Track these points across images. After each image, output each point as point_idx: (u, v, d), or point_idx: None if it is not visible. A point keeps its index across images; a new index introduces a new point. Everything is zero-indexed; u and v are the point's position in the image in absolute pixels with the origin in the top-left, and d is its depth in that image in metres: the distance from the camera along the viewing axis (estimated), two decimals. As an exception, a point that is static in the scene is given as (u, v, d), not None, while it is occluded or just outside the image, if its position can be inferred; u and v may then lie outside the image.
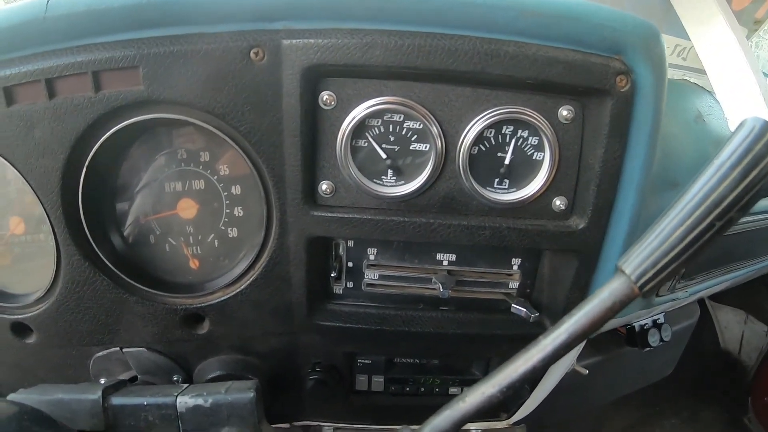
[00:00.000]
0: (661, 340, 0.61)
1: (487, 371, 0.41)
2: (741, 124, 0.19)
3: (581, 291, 0.35)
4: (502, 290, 0.37)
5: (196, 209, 0.36)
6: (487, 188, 0.32)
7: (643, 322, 0.61)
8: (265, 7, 0.28)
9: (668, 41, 0.61)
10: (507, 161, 0.31)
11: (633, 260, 0.17)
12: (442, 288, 0.34)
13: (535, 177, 0.32)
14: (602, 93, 0.29)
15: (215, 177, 0.36)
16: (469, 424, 0.48)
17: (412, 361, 0.41)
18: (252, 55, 0.28)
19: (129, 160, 0.34)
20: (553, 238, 0.33)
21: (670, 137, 0.46)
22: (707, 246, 0.18)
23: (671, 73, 0.62)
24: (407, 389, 0.41)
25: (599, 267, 0.35)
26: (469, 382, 0.42)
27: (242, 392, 0.28)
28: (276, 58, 0.28)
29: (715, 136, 0.50)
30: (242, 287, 0.35)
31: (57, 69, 0.29)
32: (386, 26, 0.28)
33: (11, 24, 0.30)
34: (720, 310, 0.96)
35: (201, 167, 0.35)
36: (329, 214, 0.32)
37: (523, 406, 0.46)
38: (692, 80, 0.59)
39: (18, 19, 0.30)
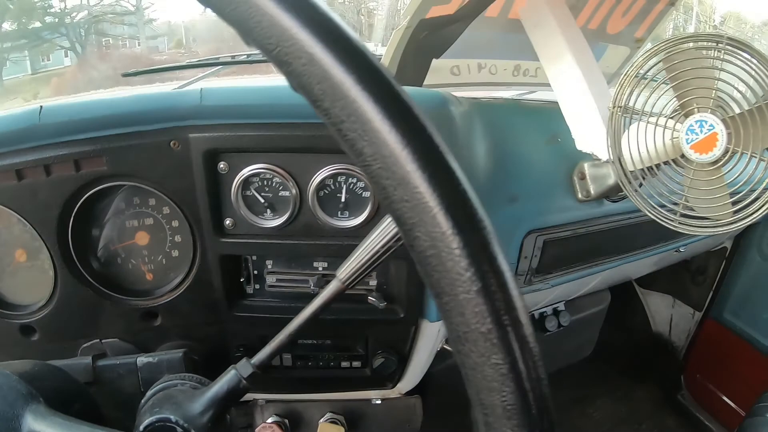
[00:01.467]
0: (560, 325, 0.83)
1: (367, 348, 0.66)
2: None
3: (416, 286, 0.59)
4: (365, 287, 0.61)
5: (148, 238, 0.62)
6: (333, 218, 0.56)
7: (542, 310, 0.83)
8: (177, 112, 0.53)
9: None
10: (343, 199, 0.55)
11: (342, 269, 0.41)
12: (313, 286, 0.58)
13: (365, 208, 0.56)
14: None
15: (160, 215, 0.61)
16: (368, 393, 0.72)
17: (310, 342, 0.66)
18: (171, 144, 0.53)
19: (102, 208, 0.60)
20: (385, 249, 0.57)
21: (516, 157, 0.69)
22: (381, 260, 0.41)
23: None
24: (309, 364, 0.66)
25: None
26: (355, 357, 0.66)
27: (176, 353, 0.53)
28: (186, 145, 0.53)
29: (567, 154, 0.72)
30: (181, 291, 0.60)
31: (50, 159, 0.55)
32: (252, 121, 0.53)
33: (15, 128, 0.56)
34: (649, 296, 1.19)
35: (150, 209, 0.61)
36: (233, 240, 0.57)
37: (408, 379, 0.70)
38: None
39: (20, 124, 0.55)
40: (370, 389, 0.71)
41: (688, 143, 0.63)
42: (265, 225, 0.56)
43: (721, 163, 0.64)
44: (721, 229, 0.65)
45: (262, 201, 0.56)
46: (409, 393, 0.73)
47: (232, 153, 0.54)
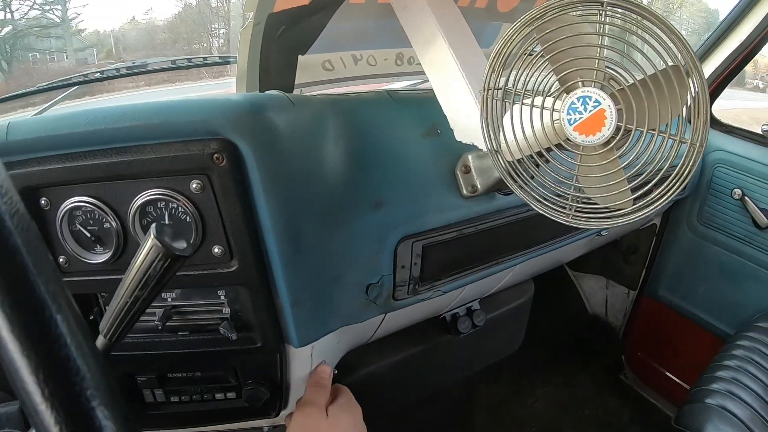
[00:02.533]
0: (474, 326, 0.81)
1: (237, 378, 0.67)
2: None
3: (267, 312, 0.59)
4: (218, 316, 0.62)
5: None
6: (162, 247, 0.57)
7: (454, 311, 0.81)
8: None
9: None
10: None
11: (104, 321, 0.42)
12: (158, 320, 0.60)
13: (191, 234, 0.56)
14: (208, 169, 0.53)
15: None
16: (257, 422, 0.73)
17: (180, 375, 0.67)
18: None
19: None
20: (221, 277, 0.57)
21: (382, 156, 0.67)
22: (137, 307, 0.42)
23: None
24: (183, 398, 0.68)
25: (279, 291, 0.59)
26: (227, 388, 0.68)
27: (13, 405, 0.56)
28: (1, 184, 0.56)
29: (449, 147, 0.69)
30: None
31: None
32: (63, 151, 0.54)
33: None
34: (582, 279, 1.18)
35: None
36: (69, 279, 0.59)
37: (293, 406, 0.70)
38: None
39: None
40: (254, 419, 0.72)
41: (570, 124, 0.60)
42: (97, 261, 0.58)
43: (613, 144, 0.60)
44: (621, 220, 0.62)
45: (89, 235, 0.58)
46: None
47: (50, 187, 0.57)
